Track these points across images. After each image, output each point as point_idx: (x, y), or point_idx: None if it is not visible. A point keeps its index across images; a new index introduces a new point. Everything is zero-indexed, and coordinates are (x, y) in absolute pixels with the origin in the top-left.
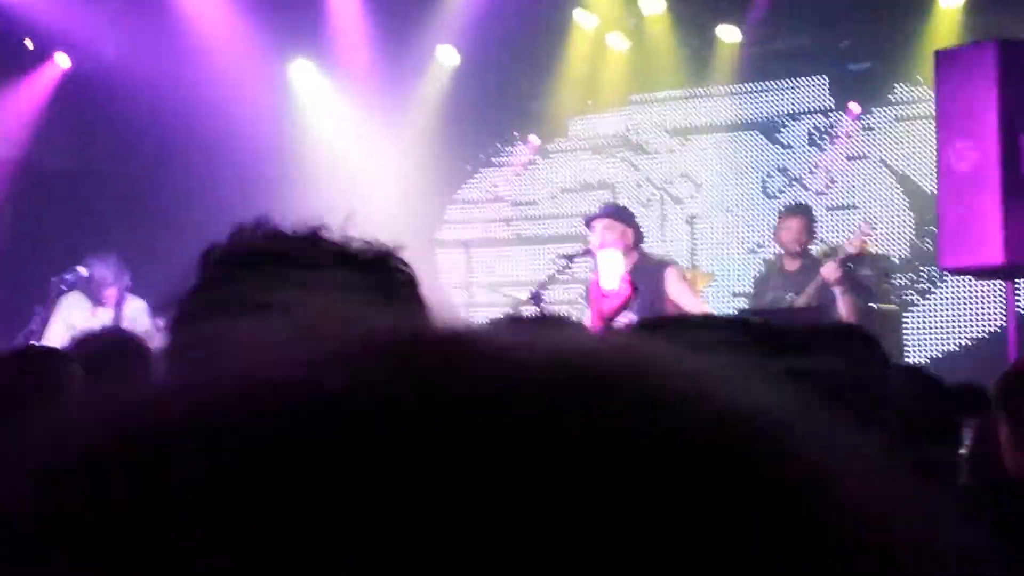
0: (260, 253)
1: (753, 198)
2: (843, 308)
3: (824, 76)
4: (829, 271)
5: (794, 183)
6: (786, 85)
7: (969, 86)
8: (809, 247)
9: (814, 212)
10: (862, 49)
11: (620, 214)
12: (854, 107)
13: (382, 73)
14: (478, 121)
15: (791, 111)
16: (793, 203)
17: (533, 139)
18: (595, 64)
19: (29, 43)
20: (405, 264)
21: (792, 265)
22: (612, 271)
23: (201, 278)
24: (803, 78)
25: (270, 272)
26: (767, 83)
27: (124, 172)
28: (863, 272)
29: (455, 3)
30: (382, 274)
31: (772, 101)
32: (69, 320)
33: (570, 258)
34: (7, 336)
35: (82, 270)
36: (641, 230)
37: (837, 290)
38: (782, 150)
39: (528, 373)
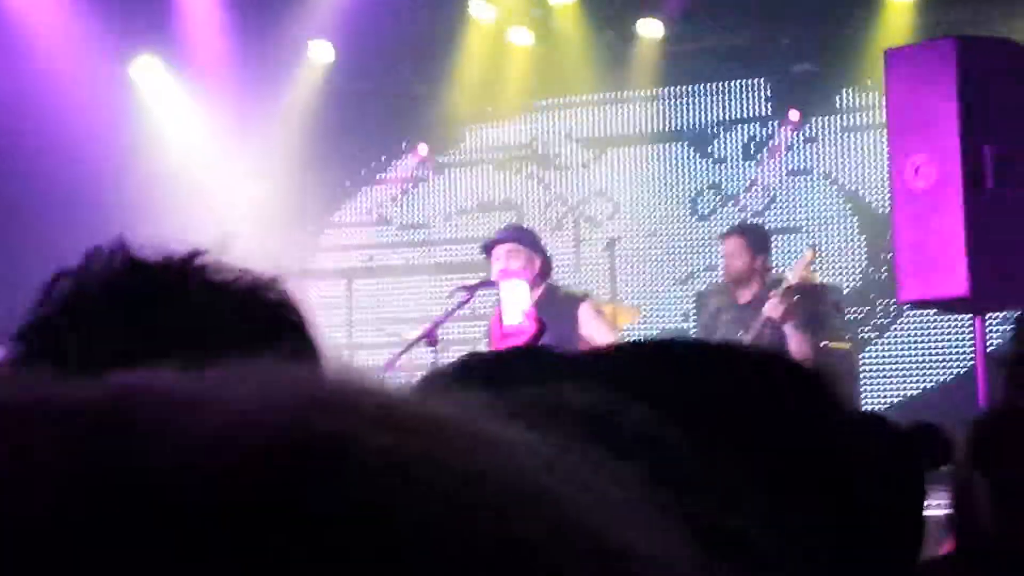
0: (117, 287)
1: (681, 219)
2: (795, 347)
3: (761, 79)
4: (771, 307)
5: (728, 202)
6: (718, 89)
7: (925, 90)
8: (762, 273)
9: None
10: (805, 49)
11: (525, 238)
12: (794, 115)
13: (243, 71)
14: (359, 130)
15: (724, 119)
16: (732, 224)
17: (423, 150)
18: (495, 64)
19: None
20: (287, 296)
21: (744, 296)
22: (515, 305)
23: (42, 316)
24: (737, 81)
25: (124, 313)
26: (696, 87)
27: None
28: (814, 305)
29: None
30: (256, 310)
31: (702, 108)
32: None
33: (470, 290)
34: None
35: None
36: (549, 258)
37: (787, 327)
38: (714, 164)
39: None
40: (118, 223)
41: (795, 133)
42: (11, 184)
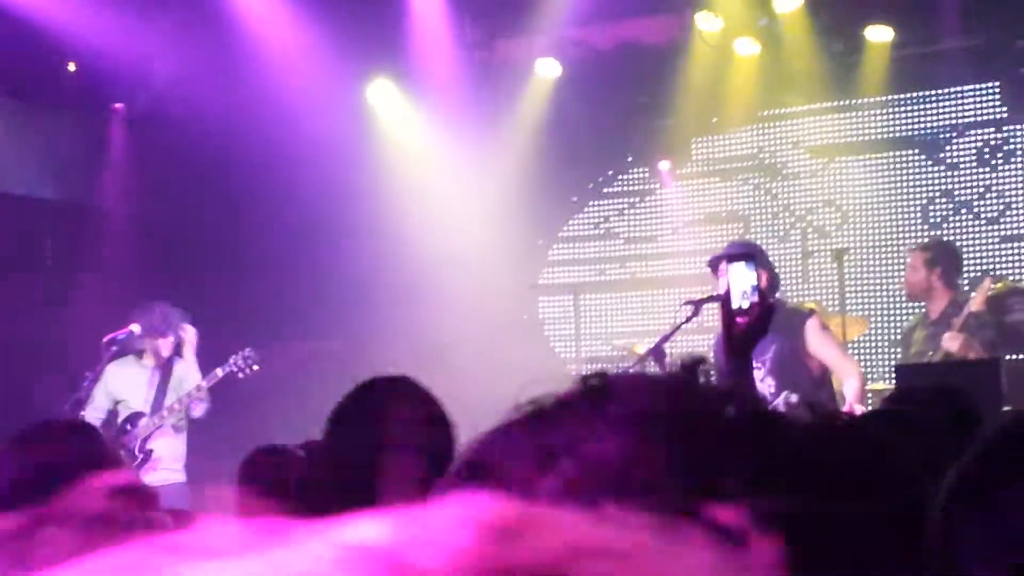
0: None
1: (912, 228)
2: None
3: (995, 82)
4: (948, 340)
5: (961, 209)
6: (949, 94)
7: None
8: (945, 288)
9: (985, 241)
10: None
11: (749, 254)
12: None
13: (473, 91)
14: (585, 145)
15: (956, 124)
16: (928, 239)
17: (654, 165)
18: (721, 74)
19: (72, 66)
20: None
21: (934, 312)
22: (740, 287)
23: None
24: (970, 86)
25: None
26: (927, 92)
27: (186, 216)
28: (1002, 325)
29: (555, 9)
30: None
31: (933, 113)
32: (110, 389)
33: (697, 304)
34: (59, 404)
35: (135, 328)
36: (776, 274)
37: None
38: (946, 171)
39: None
40: (361, 243)
41: None
42: (256, 205)
